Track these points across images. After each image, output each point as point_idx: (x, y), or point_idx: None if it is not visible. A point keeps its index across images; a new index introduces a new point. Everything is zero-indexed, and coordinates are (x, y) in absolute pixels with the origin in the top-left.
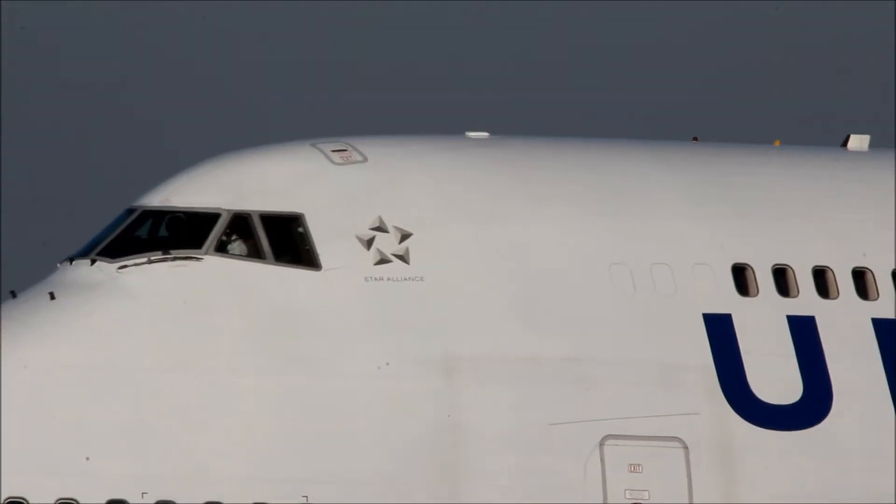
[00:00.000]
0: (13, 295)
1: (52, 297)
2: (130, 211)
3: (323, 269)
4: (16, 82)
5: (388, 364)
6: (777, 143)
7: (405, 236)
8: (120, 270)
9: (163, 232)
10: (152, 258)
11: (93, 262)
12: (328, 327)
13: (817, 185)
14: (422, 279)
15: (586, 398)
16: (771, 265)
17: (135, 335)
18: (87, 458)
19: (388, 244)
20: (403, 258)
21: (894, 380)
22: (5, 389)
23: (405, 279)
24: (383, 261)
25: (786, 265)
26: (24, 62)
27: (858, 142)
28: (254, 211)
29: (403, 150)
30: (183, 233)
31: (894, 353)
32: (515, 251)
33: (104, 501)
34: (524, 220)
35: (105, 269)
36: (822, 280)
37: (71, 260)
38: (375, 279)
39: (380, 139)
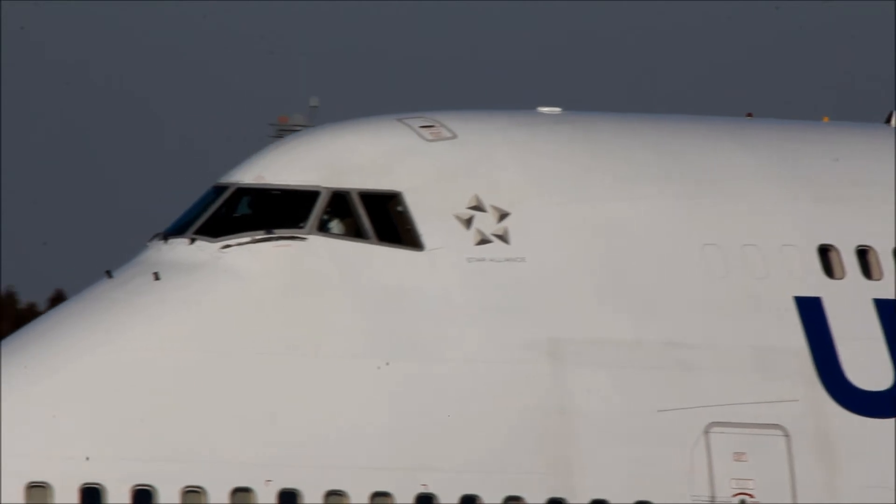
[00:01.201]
0: (109, 275)
1: (157, 277)
2: (220, 188)
3: (426, 249)
4: (16, 82)
5: (495, 348)
6: (826, 119)
7: (503, 215)
8: (223, 250)
9: (248, 209)
10: (256, 237)
11: (192, 240)
12: (436, 310)
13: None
14: (523, 260)
15: (690, 384)
16: (855, 246)
17: (246, 318)
18: (208, 445)
19: (487, 224)
20: (503, 238)
21: None
22: (119, 374)
23: (507, 260)
24: (484, 241)
25: (868, 247)
26: (24, 62)
27: None
28: (352, 188)
29: (490, 127)
30: (277, 211)
31: None
32: (610, 231)
33: (229, 489)
34: (616, 198)
35: (206, 249)
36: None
37: (165, 238)
38: (478, 260)
39: (462, 114)
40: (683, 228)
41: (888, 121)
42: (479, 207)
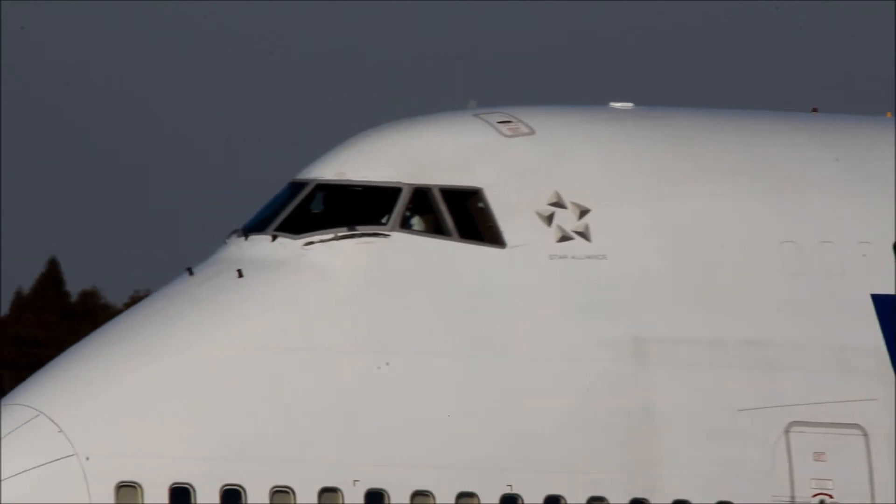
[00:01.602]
0: (190, 272)
1: (241, 274)
2: (299, 184)
3: (508, 247)
4: (16, 82)
5: (579, 347)
6: (889, 114)
7: (583, 212)
8: (306, 247)
9: (328, 206)
10: (339, 234)
11: (274, 237)
12: (520, 308)
13: None
14: (604, 257)
15: (770, 383)
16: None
17: (331, 315)
18: (295, 445)
19: (567, 220)
20: (584, 235)
21: None
22: (206, 372)
23: (588, 257)
24: (565, 238)
25: None
26: (24, 62)
27: None
28: (434, 185)
29: (566, 122)
30: (358, 207)
31: None
32: (689, 228)
33: (317, 489)
34: (693, 195)
35: (289, 246)
36: None
37: (245, 234)
38: (560, 257)
39: (538, 110)
40: (762, 225)
41: None
42: (559, 204)
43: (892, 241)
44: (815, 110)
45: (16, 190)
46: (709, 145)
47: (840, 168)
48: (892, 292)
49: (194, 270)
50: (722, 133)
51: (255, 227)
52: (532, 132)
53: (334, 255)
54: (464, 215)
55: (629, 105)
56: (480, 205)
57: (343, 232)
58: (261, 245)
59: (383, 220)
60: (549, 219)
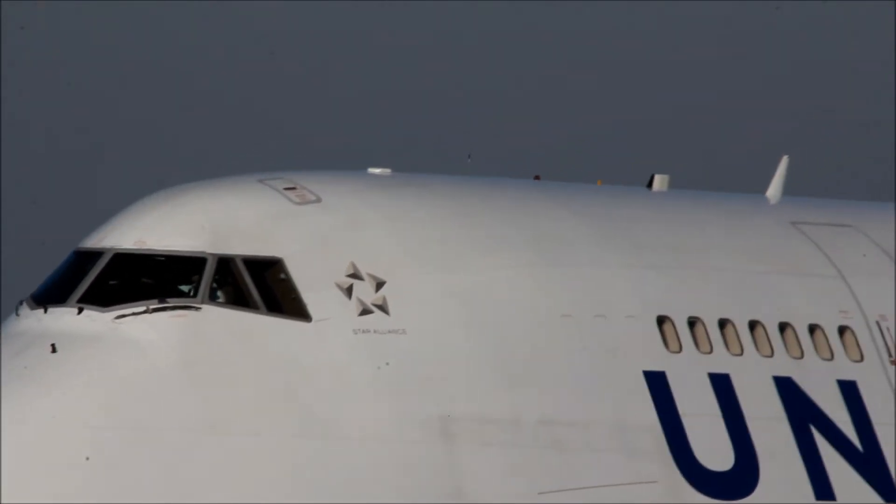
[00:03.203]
0: None
1: (54, 349)
2: (93, 253)
3: (314, 321)
4: (16, 82)
5: (389, 428)
6: (599, 182)
7: (380, 284)
8: (117, 320)
9: (127, 275)
10: (150, 307)
11: (80, 310)
12: (331, 386)
13: (707, 231)
14: (404, 332)
15: (563, 465)
16: (686, 317)
17: (155, 393)
18: None
19: (366, 293)
20: (383, 308)
21: (800, 440)
22: (14, 453)
23: (389, 332)
24: (366, 311)
25: (697, 317)
26: (24, 62)
27: (660, 182)
28: (237, 255)
29: (350, 189)
30: (162, 277)
31: (796, 411)
32: (478, 302)
33: None
34: (478, 268)
35: (98, 319)
36: (727, 334)
37: (43, 306)
38: (363, 331)
39: (316, 176)
40: (543, 298)
41: (650, 185)
42: (356, 275)
43: (654, 314)
44: (537, 178)
45: None
46: (482, 217)
47: (596, 238)
48: (660, 369)
49: None
50: (491, 204)
51: (50, 298)
52: (318, 200)
53: (149, 329)
54: (268, 287)
55: (388, 171)
56: (282, 276)
57: (154, 305)
58: (66, 318)
59: (189, 291)
60: (348, 291)
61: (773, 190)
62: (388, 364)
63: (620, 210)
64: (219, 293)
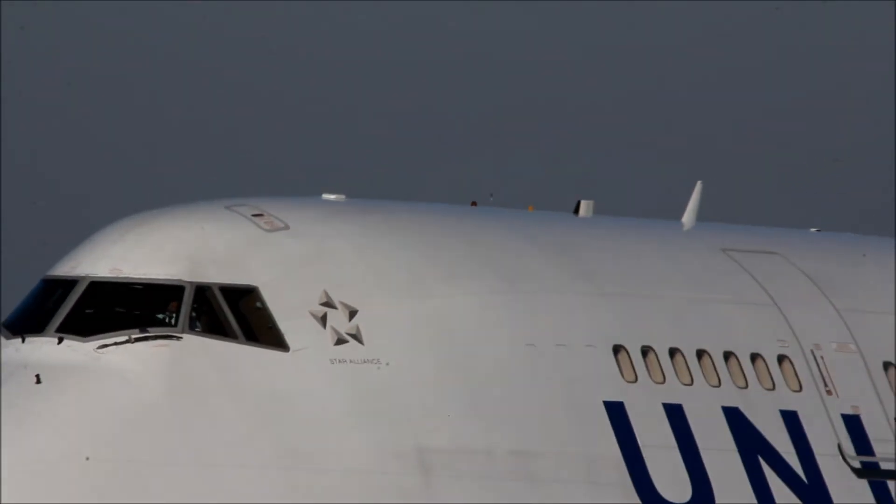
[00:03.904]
0: None
1: (39, 380)
2: (65, 282)
3: (291, 350)
4: (16, 82)
5: (367, 459)
6: (531, 208)
7: (353, 313)
8: (99, 350)
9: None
10: (132, 336)
11: (60, 340)
12: (311, 416)
13: (646, 258)
14: (378, 361)
15: (536, 497)
16: (639, 346)
17: (143, 426)
18: None
19: (340, 322)
20: (357, 338)
21: (749, 471)
22: (8, 486)
23: (364, 362)
24: (341, 341)
25: (650, 346)
26: (24, 62)
27: (586, 208)
28: (213, 283)
29: (316, 216)
30: (138, 305)
31: (746, 443)
32: (451, 329)
33: None
34: (444, 295)
35: (79, 349)
36: (676, 363)
37: (20, 335)
38: (340, 361)
39: (281, 202)
40: (507, 326)
41: (576, 211)
42: (329, 304)
43: (610, 343)
44: (473, 204)
45: None
46: (445, 244)
47: (554, 266)
48: (619, 399)
49: None
50: (449, 230)
51: (25, 327)
52: (286, 226)
53: (132, 360)
54: (244, 315)
55: (342, 197)
56: (258, 304)
57: (136, 334)
58: (46, 348)
59: (165, 319)
60: (323, 320)
61: (689, 216)
62: (364, 395)
63: (566, 237)
64: (197, 322)
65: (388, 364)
